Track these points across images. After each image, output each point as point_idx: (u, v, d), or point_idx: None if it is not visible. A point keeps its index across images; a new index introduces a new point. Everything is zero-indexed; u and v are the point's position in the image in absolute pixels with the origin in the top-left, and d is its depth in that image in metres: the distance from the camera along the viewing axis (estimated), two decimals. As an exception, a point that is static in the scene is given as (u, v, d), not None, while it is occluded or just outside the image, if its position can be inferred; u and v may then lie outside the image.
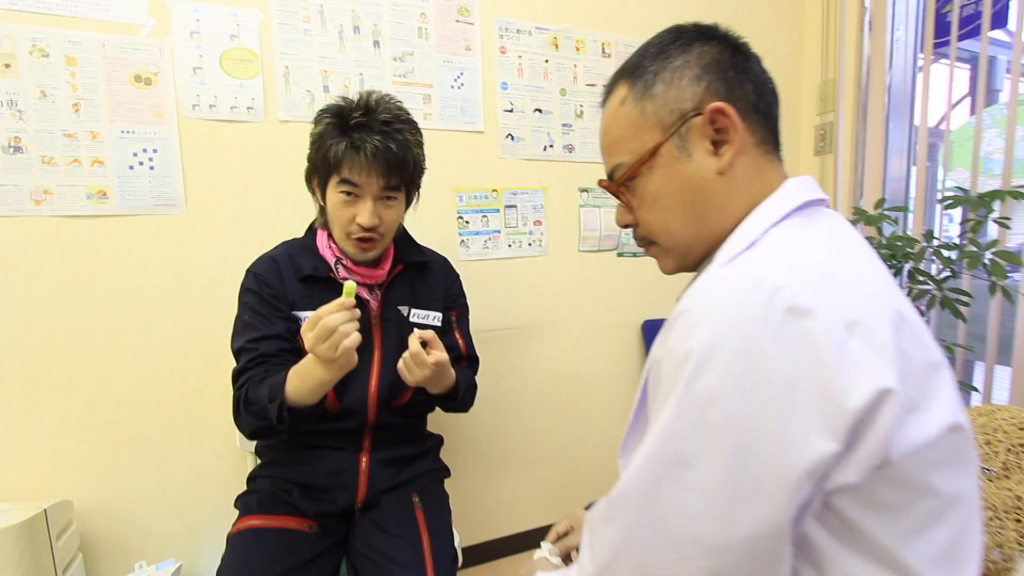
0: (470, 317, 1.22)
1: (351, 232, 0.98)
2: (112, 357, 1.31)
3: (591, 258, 1.82)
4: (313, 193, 1.05)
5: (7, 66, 1.20)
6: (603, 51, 1.76)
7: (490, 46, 1.61)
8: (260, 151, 1.39)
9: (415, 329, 0.94)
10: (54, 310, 1.26)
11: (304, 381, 0.83)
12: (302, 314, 0.99)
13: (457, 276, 1.21)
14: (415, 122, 1.00)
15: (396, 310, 1.07)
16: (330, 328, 0.76)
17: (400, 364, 0.94)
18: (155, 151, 1.31)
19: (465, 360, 1.17)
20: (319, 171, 0.98)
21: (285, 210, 1.40)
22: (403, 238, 1.14)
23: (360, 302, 1.03)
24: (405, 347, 0.95)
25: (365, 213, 0.95)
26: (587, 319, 1.83)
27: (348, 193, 0.95)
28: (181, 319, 1.35)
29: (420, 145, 1.01)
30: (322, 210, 1.04)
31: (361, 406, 1.02)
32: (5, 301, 1.22)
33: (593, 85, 1.75)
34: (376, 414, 1.04)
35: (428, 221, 1.54)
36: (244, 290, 1.01)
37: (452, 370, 1.00)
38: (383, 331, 1.05)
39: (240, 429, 0.92)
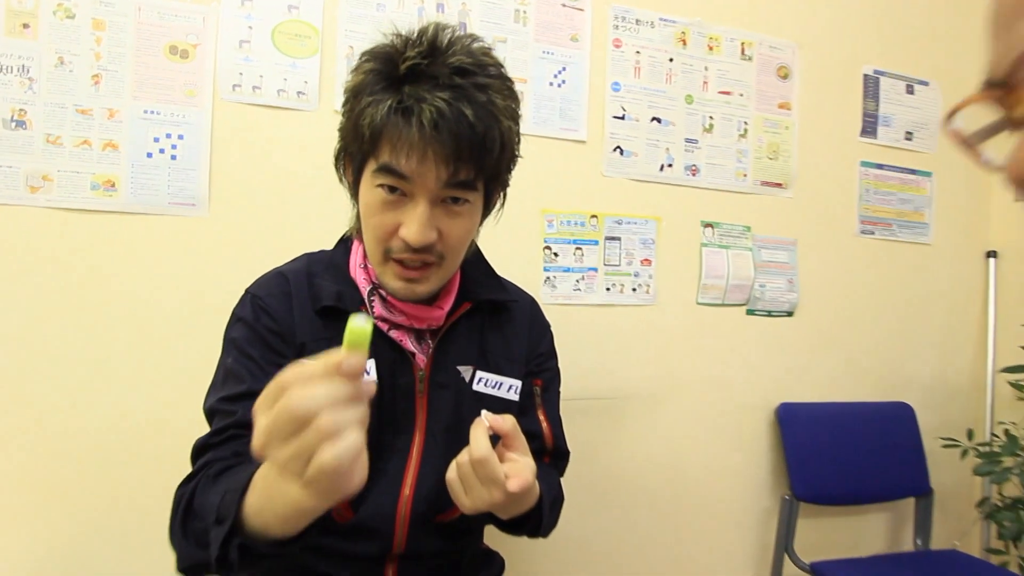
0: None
1: (391, 250, 0.62)
2: (90, 392, 1.01)
3: (712, 314, 1.37)
4: (345, 184, 0.69)
5: (25, 26, 0.99)
6: (742, 52, 1.39)
7: (601, 38, 1.28)
8: (307, 146, 1.10)
9: (483, 413, 0.55)
10: (26, 325, 0.99)
11: (272, 499, 0.43)
12: None
13: (548, 327, 0.83)
14: (510, 79, 0.64)
15: (454, 371, 0.69)
16: (297, 418, 0.35)
17: (451, 475, 0.55)
18: (180, 137, 1.05)
19: (549, 455, 0.77)
20: (350, 149, 0.63)
21: (332, 224, 1.08)
22: (475, 263, 0.76)
23: (399, 355, 0.66)
24: (463, 433, 0.56)
25: (414, 223, 0.58)
26: (704, 394, 1.37)
27: (391, 188, 0.59)
28: (187, 349, 1.04)
29: (515, 117, 0.63)
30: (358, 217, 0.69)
31: (386, 522, 0.64)
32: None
33: (727, 93, 1.37)
34: (408, 535, 0.65)
35: (505, 248, 1.18)
36: (234, 320, 0.67)
37: (536, 485, 0.60)
38: (431, 403, 0.67)
39: (173, 548, 0.55)
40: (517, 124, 0.65)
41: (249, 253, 1.07)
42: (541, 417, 0.76)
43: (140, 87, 1.03)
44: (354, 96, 0.60)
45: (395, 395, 0.65)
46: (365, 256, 0.68)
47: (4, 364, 0.97)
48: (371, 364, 0.64)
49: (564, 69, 1.25)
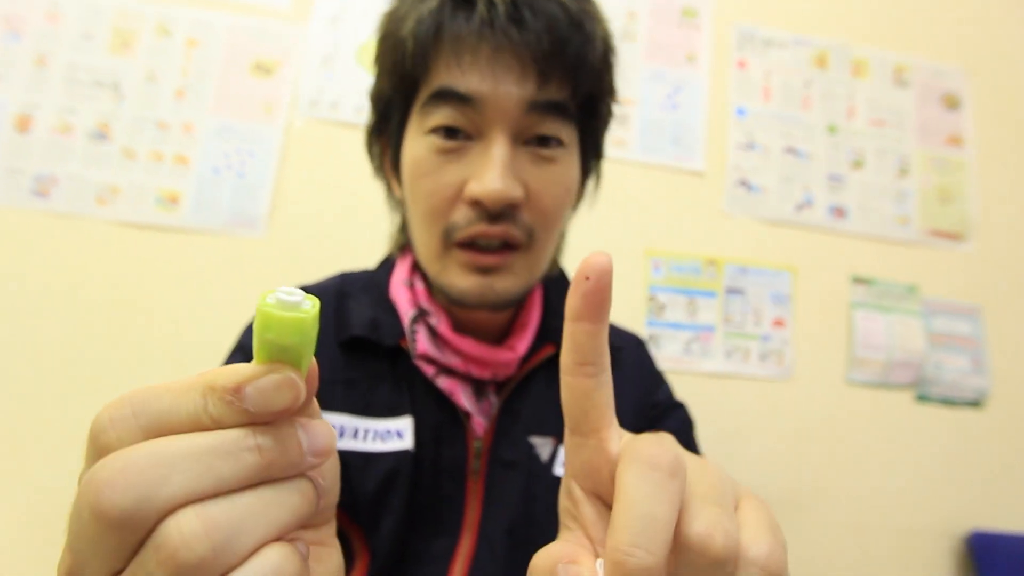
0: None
1: (456, 227, 0.41)
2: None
3: (869, 398, 1.05)
4: (382, 176, 0.51)
5: (124, 44, 0.98)
6: (896, 77, 1.14)
7: (723, 58, 1.10)
8: (382, 168, 0.99)
9: (599, 567, 0.29)
10: (70, 341, 0.90)
11: None
12: (335, 418, 0.45)
13: (661, 377, 0.58)
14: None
15: (526, 445, 0.47)
16: (116, 521, 0.15)
17: None
18: (250, 154, 0.97)
19: None
20: (388, 97, 0.45)
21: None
22: (562, 289, 0.55)
23: (448, 415, 0.46)
24: (533, 540, 0.36)
25: (490, 168, 0.39)
26: (858, 507, 1.02)
27: (449, 132, 0.41)
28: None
29: (606, 30, 0.45)
30: (403, 224, 0.52)
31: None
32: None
33: (880, 124, 1.12)
34: None
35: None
36: (234, 348, 0.51)
37: None
38: (490, 489, 0.46)
39: None
40: (612, 42, 0.46)
41: (302, 279, 0.94)
42: None
43: (221, 102, 0.98)
44: (390, 15, 0.44)
45: (437, 474, 0.45)
46: (412, 271, 0.50)
47: (43, 380, 0.88)
48: (407, 425, 0.44)
49: (678, 91, 1.07)
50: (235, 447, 0.17)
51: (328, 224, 0.97)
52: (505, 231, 0.41)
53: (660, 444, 0.19)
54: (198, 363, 0.91)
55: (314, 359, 0.19)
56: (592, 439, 0.21)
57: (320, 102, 0.99)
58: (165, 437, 0.16)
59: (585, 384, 0.21)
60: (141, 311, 0.92)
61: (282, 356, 0.17)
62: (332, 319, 0.49)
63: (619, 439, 0.21)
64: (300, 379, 0.18)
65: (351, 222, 0.97)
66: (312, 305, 0.18)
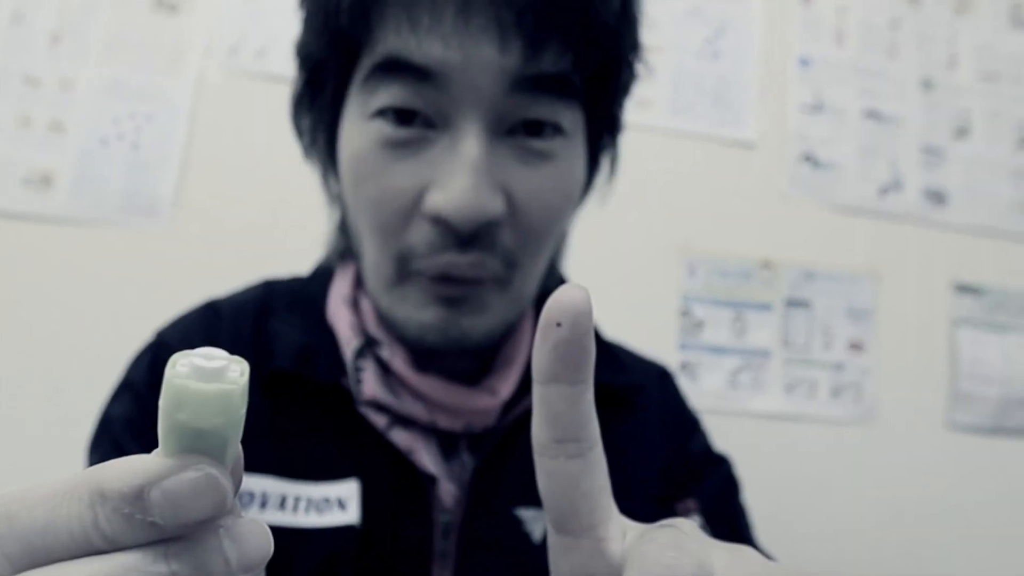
0: None
1: (413, 253, 0.32)
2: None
3: (979, 448, 0.80)
4: (312, 152, 0.39)
5: (-15, -24, 0.75)
6: (1014, 15, 0.87)
7: (782, -8, 0.84)
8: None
9: None
10: None
11: None
12: (256, 481, 0.34)
13: (696, 423, 0.46)
14: None
15: (511, 518, 0.37)
16: None
17: None
18: (148, 118, 0.74)
19: None
20: (318, 58, 0.34)
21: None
22: None
23: (406, 480, 0.36)
24: None
25: (457, 175, 0.29)
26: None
27: (402, 116, 0.31)
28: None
29: None
30: (343, 225, 0.40)
31: None
32: None
33: (993, 78, 0.85)
34: None
35: (616, 305, 0.72)
36: (121, 386, 0.39)
37: None
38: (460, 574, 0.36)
39: None
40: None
41: (215, 287, 0.72)
42: None
43: (109, 49, 0.75)
44: None
45: (392, 558, 0.36)
46: (357, 285, 0.39)
47: None
48: (351, 492, 0.35)
49: (721, 33, 0.81)
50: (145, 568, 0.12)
51: (252, 212, 0.74)
52: (478, 261, 0.32)
53: (678, 549, 0.15)
54: (76, 394, 0.69)
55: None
56: (585, 539, 0.17)
57: (244, 48, 0.76)
58: (41, 569, 0.13)
59: (569, 468, 0.17)
60: (2, 325, 0.70)
61: (199, 443, 0.13)
62: (251, 346, 0.37)
63: (622, 537, 0.17)
64: (224, 475, 0.13)
65: (282, 210, 0.74)
66: (241, 372, 0.14)
